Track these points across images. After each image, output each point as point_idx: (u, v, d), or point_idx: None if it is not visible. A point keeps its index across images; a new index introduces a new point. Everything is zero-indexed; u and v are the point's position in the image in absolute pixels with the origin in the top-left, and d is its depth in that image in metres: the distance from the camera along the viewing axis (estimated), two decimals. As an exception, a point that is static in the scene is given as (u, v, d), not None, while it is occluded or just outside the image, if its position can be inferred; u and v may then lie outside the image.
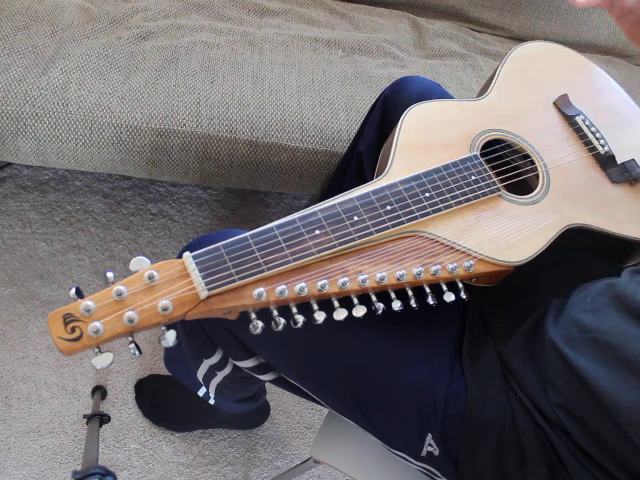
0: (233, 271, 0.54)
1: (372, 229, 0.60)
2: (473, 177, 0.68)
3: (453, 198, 0.66)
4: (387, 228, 0.61)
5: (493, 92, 0.81)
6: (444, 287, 0.61)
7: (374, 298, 0.58)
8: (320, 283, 0.56)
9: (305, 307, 0.56)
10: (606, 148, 0.78)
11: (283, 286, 0.55)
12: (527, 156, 0.76)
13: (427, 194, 0.65)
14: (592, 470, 0.58)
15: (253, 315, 0.55)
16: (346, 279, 0.57)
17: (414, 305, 0.60)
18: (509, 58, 0.86)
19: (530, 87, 0.83)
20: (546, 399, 0.60)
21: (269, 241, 0.56)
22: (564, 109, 0.81)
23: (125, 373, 1.18)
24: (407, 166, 0.68)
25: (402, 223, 0.62)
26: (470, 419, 0.63)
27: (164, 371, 1.15)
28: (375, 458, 0.80)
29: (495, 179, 0.69)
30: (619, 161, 0.77)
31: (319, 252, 0.57)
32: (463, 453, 0.63)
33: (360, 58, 1.31)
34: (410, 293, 0.60)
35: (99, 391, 1.12)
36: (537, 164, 0.75)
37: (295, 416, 1.22)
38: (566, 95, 0.83)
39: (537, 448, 0.60)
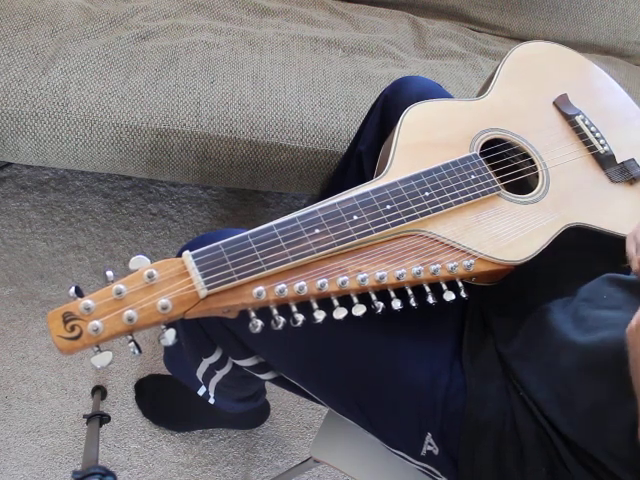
0: (232, 270, 0.54)
1: (372, 228, 0.60)
2: (473, 176, 0.68)
3: (453, 197, 0.66)
4: (387, 227, 0.61)
5: (493, 92, 0.81)
6: (444, 286, 0.61)
7: (374, 297, 0.58)
8: (320, 282, 0.56)
9: (305, 306, 0.56)
10: (606, 148, 0.78)
11: (283, 285, 0.55)
12: (527, 155, 0.76)
13: (427, 193, 0.65)
14: (595, 470, 0.58)
15: (253, 314, 0.55)
16: (346, 278, 0.57)
17: (414, 304, 0.60)
18: (509, 58, 0.86)
19: (530, 87, 0.83)
20: (549, 398, 0.60)
21: (269, 240, 0.56)
22: (564, 109, 0.81)
23: (125, 373, 1.18)
24: (407, 165, 0.68)
25: (402, 222, 0.62)
26: (470, 419, 0.63)
27: (164, 371, 1.14)
28: (375, 458, 0.80)
29: (495, 178, 0.69)
30: (619, 160, 0.77)
31: (319, 251, 0.57)
32: (463, 452, 0.63)
33: (360, 58, 1.31)
34: (410, 292, 0.60)
35: (99, 391, 1.12)
36: (537, 163, 0.75)
37: (295, 416, 1.22)
38: (566, 95, 0.83)
39: (537, 447, 0.60)
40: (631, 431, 0.51)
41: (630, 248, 0.61)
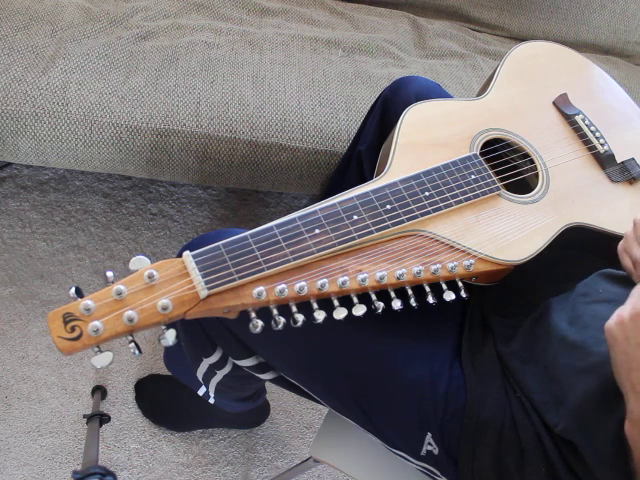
0: (233, 270, 0.54)
1: (372, 228, 0.60)
2: (473, 176, 0.68)
3: (453, 197, 0.66)
4: (387, 227, 0.61)
5: (493, 91, 0.81)
6: (444, 286, 0.61)
7: (374, 297, 0.58)
8: (320, 282, 0.56)
9: (305, 306, 0.56)
10: (605, 147, 0.78)
11: (283, 285, 0.55)
12: (527, 155, 0.76)
13: (427, 193, 0.65)
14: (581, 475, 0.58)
15: (253, 314, 0.55)
16: (346, 278, 0.57)
17: (414, 304, 0.60)
18: (509, 57, 0.86)
19: (530, 86, 0.83)
20: (545, 400, 0.60)
21: (269, 240, 0.56)
22: (563, 108, 0.81)
23: (125, 373, 1.18)
24: (407, 165, 0.68)
25: (402, 222, 0.62)
26: (469, 418, 0.63)
27: (164, 371, 1.14)
28: (375, 458, 0.80)
29: (495, 178, 0.69)
30: (619, 160, 0.77)
31: (319, 251, 0.57)
32: (462, 452, 0.63)
33: (360, 58, 1.31)
34: (410, 292, 0.60)
35: (99, 391, 1.12)
36: (537, 163, 0.75)
37: (295, 416, 1.22)
38: (565, 94, 0.83)
39: (537, 447, 0.60)
40: (618, 428, 0.51)
41: (626, 263, 0.61)
